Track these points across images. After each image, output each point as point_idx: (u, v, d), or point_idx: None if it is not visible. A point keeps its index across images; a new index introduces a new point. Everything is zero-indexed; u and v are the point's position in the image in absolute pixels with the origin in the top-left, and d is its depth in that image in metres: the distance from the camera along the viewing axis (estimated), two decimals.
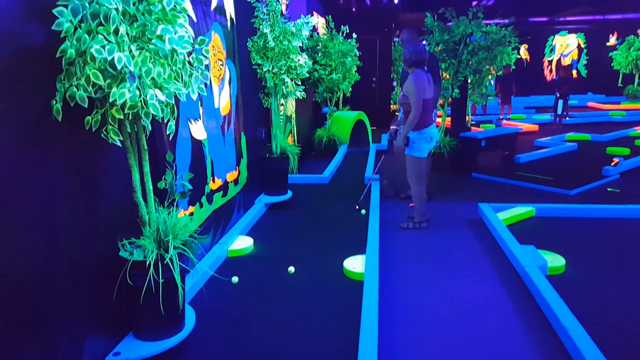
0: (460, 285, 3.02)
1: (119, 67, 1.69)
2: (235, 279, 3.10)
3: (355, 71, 8.36)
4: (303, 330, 2.52)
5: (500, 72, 7.97)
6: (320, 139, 7.83)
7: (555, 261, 3.22)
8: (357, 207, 4.64)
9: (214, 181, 3.54)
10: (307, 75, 4.82)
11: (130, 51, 1.78)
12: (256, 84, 4.71)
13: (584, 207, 4.42)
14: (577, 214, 4.37)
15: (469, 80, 6.45)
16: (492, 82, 10.48)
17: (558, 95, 10.78)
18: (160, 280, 2.07)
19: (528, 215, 4.33)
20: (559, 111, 10.90)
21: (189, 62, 2.03)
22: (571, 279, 3.09)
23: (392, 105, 12.29)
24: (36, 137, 1.72)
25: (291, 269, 3.24)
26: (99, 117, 1.85)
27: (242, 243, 3.67)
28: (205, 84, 3.25)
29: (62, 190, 1.86)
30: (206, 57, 2.07)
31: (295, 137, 6.77)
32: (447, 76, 6.29)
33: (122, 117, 1.83)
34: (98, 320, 2.12)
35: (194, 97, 2.10)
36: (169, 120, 2.07)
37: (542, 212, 4.40)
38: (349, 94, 8.57)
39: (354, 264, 3.23)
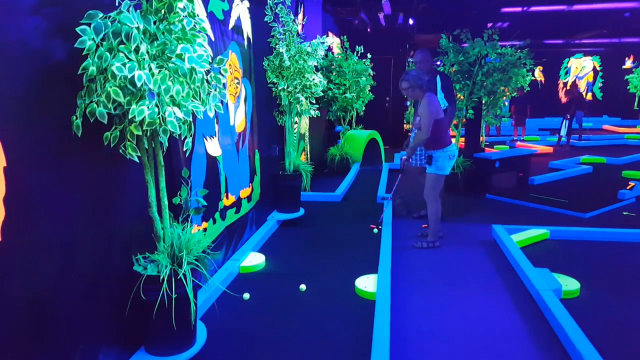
0: (472, 307, 2.98)
1: (138, 85, 1.74)
2: (246, 296, 3.10)
3: (369, 91, 8.43)
4: (314, 349, 2.50)
5: (515, 93, 7.98)
6: (333, 157, 7.86)
7: (570, 285, 3.17)
8: (378, 223, 4.61)
9: (227, 197, 3.57)
10: (322, 94, 4.87)
11: (150, 69, 1.82)
12: (271, 102, 4.77)
13: (599, 231, 4.36)
14: (592, 237, 4.31)
15: (483, 101, 6.45)
16: (507, 103, 10.48)
17: (568, 116, 10.79)
18: (173, 296, 2.09)
19: (542, 237, 4.28)
20: (562, 132, 10.88)
21: (207, 81, 2.08)
22: (586, 302, 3.03)
23: (405, 125, 12.31)
24: (56, 153, 1.76)
25: (302, 287, 3.24)
26: (118, 133, 1.89)
27: (254, 260, 3.68)
28: (222, 102, 3.31)
29: (79, 204, 1.90)
30: (223, 76, 2.11)
31: (309, 155, 6.81)
32: (462, 97, 6.31)
33: (140, 133, 1.87)
34: (111, 334, 2.14)
35: (211, 114, 2.14)
36: (186, 137, 2.11)
37: (557, 235, 4.35)
38: (362, 113, 8.62)
39: (366, 283, 3.21)
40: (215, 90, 2.09)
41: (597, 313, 2.89)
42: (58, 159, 1.77)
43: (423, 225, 4.68)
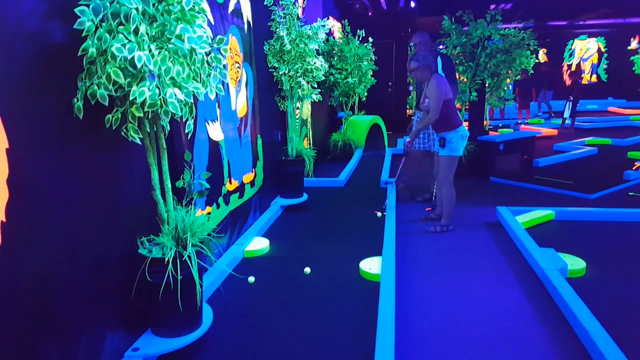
0: (478, 288, 2.99)
1: (138, 66, 1.72)
2: (251, 279, 3.12)
3: (371, 75, 8.37)
4: (319, 330, 2.51)
5: (519, 76, 7.90)
6: (336, 143, 7.84)
7: (576, 264, 3.16)
8: (383, 209, 4.59)
9: (230, 182, 3.57)
10: (323, 78, 4.84)
11: (150, 50, 1.81)
12: (272, 87, 4.74)
13: (604, 211, 4.34)
14: (598, 217, 4.29)
15: (487, 84, 6.40)
16: (510, 86, 10.41)
17: (571, 98, 10.71)
18: (179, 277, 2.09)
19: (547, 218, 4.27)
20: (566, 114, 10.83)
21: (207, 62, 2.06)
22: (592, 281, 3.03)
23: (407, 110, 12.24)
24: (58, 136, 1.75)
25: (307, 269, 3.25)
26: (119, 116, 1.88)
27: (258, 244, 3.69)
28: (223, 83, 3.29)
29: (82, 188, 1.90)
30: (223, 57, 2.09)
31: (311, 141, 6.80)
32: (465, 79, 6.26)
33: (142, 115, 1.86)
34: (117, 317, 2.15)
35: (212, 96, 2.13)
36: (187, 120, 2.10)
37: (562, 216, 4.33)
38: (364, 99, 8.57)
39: (370, 265, 3.21)
40: (216, 71, 2.07)
41: (603, 291, 2.88)
42: (60, 141, 1.76)
43: (427, 209, 4.67)
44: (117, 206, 2.14)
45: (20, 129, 1.55)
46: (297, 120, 5.17)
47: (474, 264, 3.38)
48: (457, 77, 5.58)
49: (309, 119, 6.67)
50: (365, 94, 8.41)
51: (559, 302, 2.69)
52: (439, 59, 4.70)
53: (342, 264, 3.38)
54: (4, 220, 1.46)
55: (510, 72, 6.49)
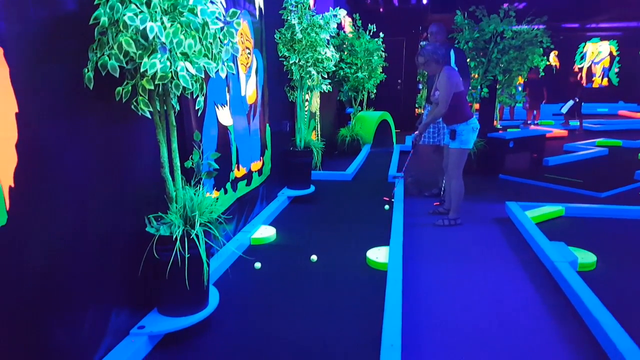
0: (486, 280, 2.95)
1: (150, 37, 1.70)
2: (258, 265, 3.09)
3: (381, 72, 8.32)
4: (325, 316, 2.48)
5: (526, 78, 7.86)
6: (344, 139, 7.80)
7: (586, 258, 3.11)
8: (391, 196, 4.54)
9: (238, 169, 3.55)
10: (334, 69, 4.81)
11: (162, 22, 1.79)
12: (282, 77, 4.72)
13: (615, 208, 4.28)
14: (608, 214, 4.23)
15: (498, 80, 6.34)
16: (521, 88, 10.34)
17: (577, 100, 10.68)
18: (186, 255, 2.07)
19: (557, 214, 4.21)
20: (564, 110, 10.84)
21: (220, 39, 2.04)
22: (602, 275, 2.98)
23: (416, 109, 12.18)
24: (68, 105, 1.74)
25: (314, 257, 3.22)
26: (130, 89, 1.86)
27: (265, 232, 3.67)
28: (235, 57, 3.26)
29: (91, 161, 1.88)
30: (236, 30, 2.07)
31: (319, 135, 6.77)
32: (476, 76, 6.21)
33: (152, 87, 1.84)
34: (123, 295, 2.13)
35: (223, 75, 2.11)
36: (197, 97, 2.08)
37: (572, 212, 4.28)
38: (373, 95, 8.52)
39: (377, 254, 3.18)
40: (229, 45, 2.04)
41: (614, 285, 2.83)
42: (70, 111, 1.75)
43: (435, 204, 4.63)
44: (125, 182, 2.12)
45: (31, 94, 1.54)
46: (306, 112, 5.14)
47: (483, 256, 3.34)
48: (469, 70, 5.53)
49: (318, 113, 6.64)
50: (375, 90, 8.37)
51: (569, 294, 2.65)
52: (452, 52, 4.66)
53: (348, 253, 3.35)
54: (12, 185, 1.45)
55: (521, 71, 6.42)
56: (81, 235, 1.83)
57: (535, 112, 11.72)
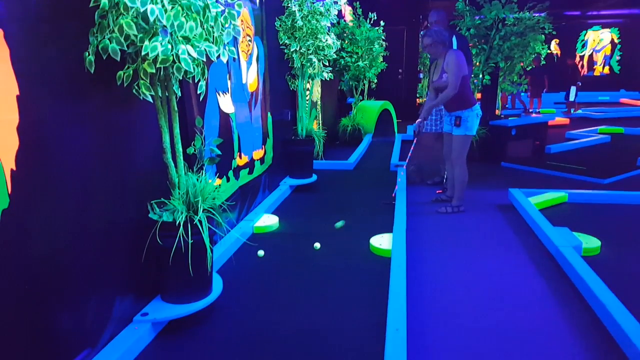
0: (490, 265, 2.94)
1: (151, 20, 1.68)
2: (261, 253, 3.09)
3: (382, 61, 8.27)
4: (329, 303, 2.48)
5: (530, 67, 7.80)
6: (345, 128, 7.77)
7: (590, 243, 3.10)
8: (393, 197, 4.50)
9: (240, 157, 3.53)
10: (335, 56, 4.77)
11: (163, 5, 1.76)
12: (283, 66, 4.69)
13: (618, 194, 4.26)
14: (612, 200, 4.22)
15: (500, 67, 6.30)
16: (522, 76, 10.30)
17: (579, 84, 10.68)
18: (190, 241, 2.06)
19: (560, 200, 4.20)
20: (571, 97, 10.80)
21: (221, 23, 2.01)
22: (607, 260, 2.97)
23: (417, 99, 12.13)
24: (69, 89, 1.72)
25: (317, 245, 3.21)
26: (131, 73, 1.84)
27: (267, 220, 3.66)
28: (236, 39, 3.22)
29: (93, 145, 1.86)
30: (238, 12, 2.04)
31: (320, 125, 6.74)
32: (478, 63, 6.16)
33: (154, 71, 1.82)
34: (127, 282, 2.13)
35: (224, 59, 2.08)
36: (199, 81, 2.06)
37: (575, 198, 4.26)
38: (374, 85, 8.48)
39: (381, 241, 3.17)
40: (230, 27, 2.02)
41: (619, 269, 2.83)
42: (71, 95, 1.73)
43: (437, 191, 4.61)
44: (127, 168, 2.10)
45: (32, 77, 1.52)
46: (307, 101, 5.11)
47: (486, 242, 3.33)
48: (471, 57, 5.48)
49: (319, 102, 6.61)
50: (376, 79, 8.32)
51: (573, 278, 2.64)
52: (454, 38, 4.62)
53: (352, 241, 3.34)
54: (14, 168, 1.43)
55: (522, 58, 6.37)
56: (84, 221, 1.81)
57: (536, 100, 11.67)
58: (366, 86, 8.39)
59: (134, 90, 1.89)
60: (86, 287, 1.85)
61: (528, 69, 7.95)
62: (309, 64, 4.45)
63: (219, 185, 3.06)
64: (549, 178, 5.27)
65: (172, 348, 2.09)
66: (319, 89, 6.52)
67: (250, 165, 3.78)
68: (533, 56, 6.84)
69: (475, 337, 2.15)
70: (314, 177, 4.95)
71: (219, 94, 3.05)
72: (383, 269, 2.78)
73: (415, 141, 4.49)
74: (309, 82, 5.00)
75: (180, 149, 2.19)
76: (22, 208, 1.48)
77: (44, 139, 1.59)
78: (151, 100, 1.95)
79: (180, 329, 2.21)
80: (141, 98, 1.89)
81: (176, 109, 2.13)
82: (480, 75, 6.07)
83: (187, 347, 2.09)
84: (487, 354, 2.02)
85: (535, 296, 2.53)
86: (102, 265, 1.95)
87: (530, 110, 11.51)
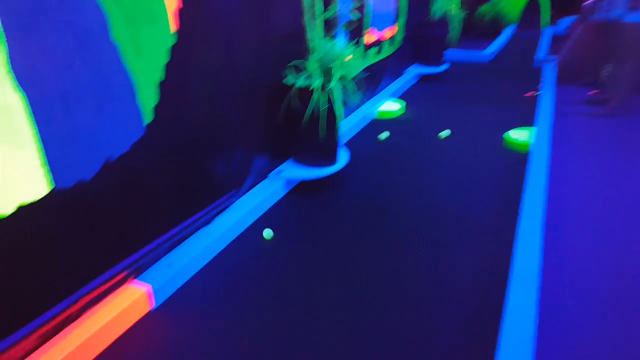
0: None
1: None
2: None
3: None
4: (457, 185, 2.35)
5: None
6: (483, 17, 6.95)
7: None
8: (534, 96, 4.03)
9: (369, 33, 3.32)
10: None
11: None
12: None
13: None
14: None
15: None
16: None
17: None
18: (322, 107, 2.02)
19: None
20: None
21: None
22: None
23: None
24: None
25: (444, 132, 3.02)
26: None
27: (391, 106, 3.50)
28: None
29: (237, 9, 1.82)
30: None
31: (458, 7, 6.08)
32: None
33: None
34: (263, 142, 2.20)
35: None
36: None
37: None
38: None
39: (518, 135, 2.89)
40: None
41: None
42: None
43: (591, 92, 4.02)
44: (266, 30, 2.05)
45: None
46: None
47: None
48: None
49: None
50: None
51: None
52: None
53: (484, 132, 3.10)
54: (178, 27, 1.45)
55: None
56: (230, 82, 1.85)
57: None
58: None
59: None
60: (232, 142, 1.96)
61: None
62: None
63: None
64: None
65: (301, 205, 2.17)
66: None
67: (379, 44, 3.55)
68: None
69: (612, 239, 1.91)
70: (445, 66, 4.58)
71: None
72: (518, 164, 2.54)
73: (580, 27, 3.81)
74: None
75: (321, 10, 2.06)
76: (185, 48, 1.53)
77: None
78: None
79: (309, 190, 2.28)
80: None
81: None
82: None
83: (314, 206, 2.16)
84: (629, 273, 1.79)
85: None
86: (246, 123, 2.03)
87: None
